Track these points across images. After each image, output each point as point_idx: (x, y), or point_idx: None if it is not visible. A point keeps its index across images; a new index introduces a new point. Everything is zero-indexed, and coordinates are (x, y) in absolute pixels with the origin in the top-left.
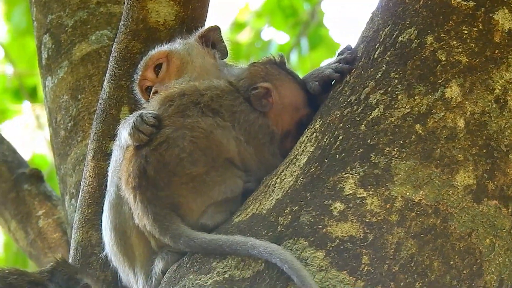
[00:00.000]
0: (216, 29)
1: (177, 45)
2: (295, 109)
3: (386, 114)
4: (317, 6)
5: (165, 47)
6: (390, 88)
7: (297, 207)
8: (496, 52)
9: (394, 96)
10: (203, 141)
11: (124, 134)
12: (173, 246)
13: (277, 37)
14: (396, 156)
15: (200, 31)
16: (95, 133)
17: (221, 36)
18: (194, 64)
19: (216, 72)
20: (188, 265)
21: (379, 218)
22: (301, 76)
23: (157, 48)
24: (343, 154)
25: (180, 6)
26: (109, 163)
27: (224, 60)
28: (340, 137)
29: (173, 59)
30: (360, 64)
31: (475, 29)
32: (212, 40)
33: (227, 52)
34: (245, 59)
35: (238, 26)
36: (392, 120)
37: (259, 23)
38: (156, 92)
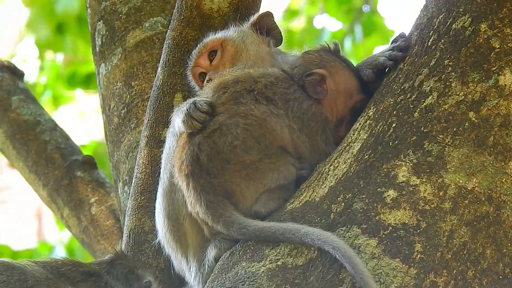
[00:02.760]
0: (269, 15)
1: (232, 32)
2: (349, 96)
3: (440, 101)
4: None
5: (219, 35)
6: (444, 75)
7: (350, 194)
8: None
9: (447, 83)
10: (257, 129)
11: (177, 121)
12: (226, 234)
13: (329, 24)
14: (449, 143)
15: (253, 18)
16: (148, 120)
17: (275, 22)
18: (248, 52)
19: (271, 60)
20: (241, 253)
21: (432, 206)
22: (355, 63)
23: (211, 35)
24: (396, 142)
25: None
26: (162, 150)
27: (278, 47)
28: (394, 125)
29: (227, 47)
30: (413, 51)
31: None
32: (266, 27)
33: (281, 38)
34: (298, 46)
35: (291, 14)
36: (446, 108)
37: (312, 10)
38: (210, 80)
